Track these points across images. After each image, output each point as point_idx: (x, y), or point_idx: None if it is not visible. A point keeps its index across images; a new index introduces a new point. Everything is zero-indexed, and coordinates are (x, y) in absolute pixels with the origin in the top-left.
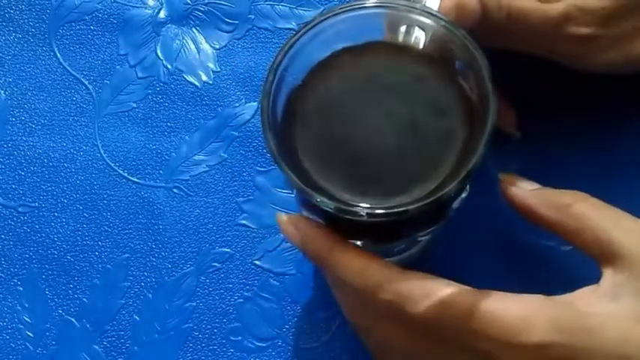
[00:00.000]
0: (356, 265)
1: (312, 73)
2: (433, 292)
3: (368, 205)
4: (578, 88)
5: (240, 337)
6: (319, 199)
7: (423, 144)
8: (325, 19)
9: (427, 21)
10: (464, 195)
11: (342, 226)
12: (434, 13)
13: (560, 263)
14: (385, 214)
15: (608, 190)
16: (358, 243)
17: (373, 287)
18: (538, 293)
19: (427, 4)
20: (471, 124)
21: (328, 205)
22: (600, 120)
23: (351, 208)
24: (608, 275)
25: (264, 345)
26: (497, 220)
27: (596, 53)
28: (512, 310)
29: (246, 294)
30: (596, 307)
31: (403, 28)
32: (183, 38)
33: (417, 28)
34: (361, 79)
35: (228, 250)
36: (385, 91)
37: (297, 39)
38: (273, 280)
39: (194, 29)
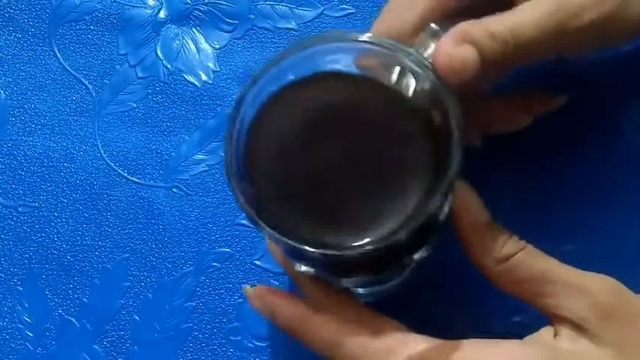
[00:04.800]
0: (327, 336)
1: (265, 107)
2: (409, 353)
3: (356, 243)
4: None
5: (240, 337)
6: (312, 250)
7: (385, 176)
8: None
9: (409, 63)
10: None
11: (327, 266)
12: (406, 49)
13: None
14: (376, 242)
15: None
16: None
17: (349, 358)
18: None
19: (421, 52)
20: (437, 159)
21: (318, 256)
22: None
23: (332, 251)
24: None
25: (264, 345)
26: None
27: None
28: None
29: None
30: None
31: (395, 69)
32: (183, 38)
33: (397, 67)
34: (318, 111)
35: (228, 250)
36: (346, 123)
37: (259, 77)
38: (273, 280)
39: (194, 29)
